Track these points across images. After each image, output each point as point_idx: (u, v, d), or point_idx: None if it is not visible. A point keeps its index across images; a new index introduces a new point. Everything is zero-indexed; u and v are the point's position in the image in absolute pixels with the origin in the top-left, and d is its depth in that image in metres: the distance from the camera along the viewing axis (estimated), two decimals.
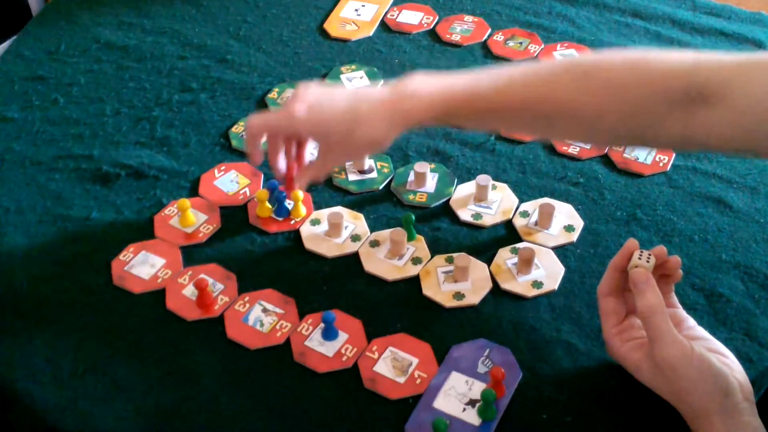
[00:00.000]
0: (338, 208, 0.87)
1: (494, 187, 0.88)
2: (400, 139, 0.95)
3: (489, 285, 0.79)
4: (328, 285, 0.79)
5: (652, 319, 0.64)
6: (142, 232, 0.85)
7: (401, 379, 0.71)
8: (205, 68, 1.08)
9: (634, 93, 0.68)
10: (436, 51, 1.10)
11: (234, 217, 0.87)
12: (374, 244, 0.83)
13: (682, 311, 0.71)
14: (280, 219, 0.86)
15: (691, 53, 0.67)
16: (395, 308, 0.77)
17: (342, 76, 1.05)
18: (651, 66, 0.68)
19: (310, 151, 0.84)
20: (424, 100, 0.72)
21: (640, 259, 0.67)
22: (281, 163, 0.79)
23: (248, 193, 0.89)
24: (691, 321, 0.70)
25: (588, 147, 0.93)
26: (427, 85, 0.73)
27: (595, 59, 0.72)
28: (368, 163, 0.91)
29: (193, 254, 0.83)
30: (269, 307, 0.77)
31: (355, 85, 1.04)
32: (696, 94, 0.65)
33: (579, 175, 0.90)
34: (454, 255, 0.80)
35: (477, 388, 0.70)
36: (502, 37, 1.12)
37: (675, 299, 0.71)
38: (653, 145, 0.84)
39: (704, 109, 0.65)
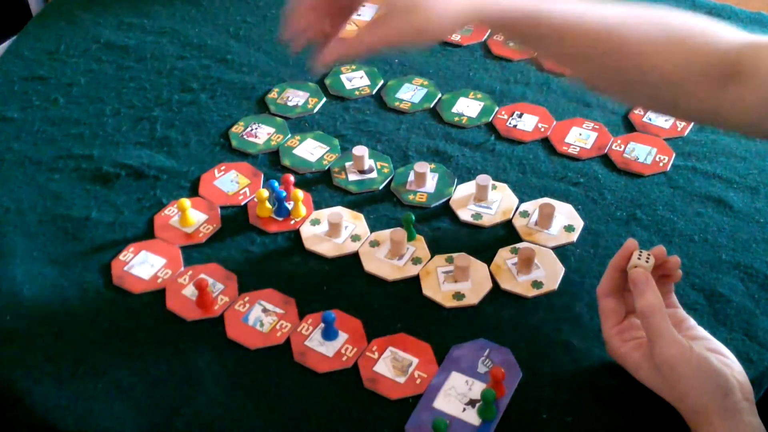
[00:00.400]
0: (338, 208, 0.87)
1: (494, 187, 0.88)
2: (400, 139, 0.96)
3: (489, 285, 0.79)
4: (328, 285, 0.79)
5: (651, 318, 0.64)
6: (142, 232, 0.85)
7: (401, 379, 0.71)
8: (205, 68, 1.08)
9: (681, 57, 0.68)
10: (437, 51, 1.10)
11: (234, 217, 0.87)
12: (374, 244, 0.83)
13: (681, 311, 0.71)
14: (280, 219, 0.86)
15: (742, 35, 0.69)
16: (395, 308, 0.77)
17: (342, 76, 1.05)
18: (706, 38, 0.69)
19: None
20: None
21: (639, 259, 0.67)
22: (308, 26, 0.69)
23: (248, 193, 0.89)
24: (690, 321, 0.70)
25: (588, 147, 0.93)
26: None
27: (674, 16, 0.72)
28: (368, 163, 0.91)
29: (193, 254, 0.83)
30: (269, 307, 0.77)
31: (355, 84, 1.04)
32: (731, 70, 0.66)
33: (579, 175, 0.90)
34: (454, 255, 0.80)
35: (477, 388, 0.70)
36: (502, 37, 1.12)
37: (675, 299, 0.71)
38: (683, 114, 0.81)
39: (736, 85, 0.66)
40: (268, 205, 0.86)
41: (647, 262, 0.67)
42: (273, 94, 1.03)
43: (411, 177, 0.90)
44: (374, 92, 1.03)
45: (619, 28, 0.68)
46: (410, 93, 1.03)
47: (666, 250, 0.69)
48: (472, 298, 0.77)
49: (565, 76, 0.90)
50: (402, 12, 0.66)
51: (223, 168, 0.92)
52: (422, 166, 0.89)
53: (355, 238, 0.84)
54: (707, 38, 0.69)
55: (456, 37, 1.12)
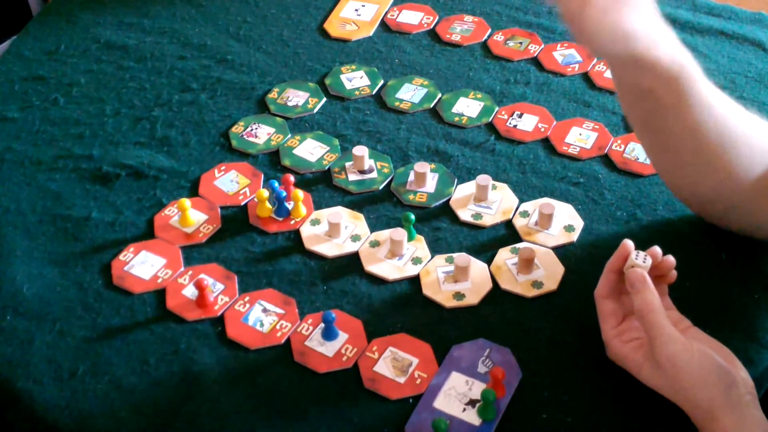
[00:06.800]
0: (338, 208, 0.87)
1: (494, 187, 0.88)
2: (400, 139, 0.96)
3: (489, 285, 0.79)
4: (328, 285, 0.79)
5: (649, 317, 0.64)
6: (142, 232, 0.85)
7: (401, 379, 0.71)
8: (205, 68, 1.08)
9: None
10: (436, 51, 1.10)
11: (234, 217, 0.87)
12: (374, 244, 0.83)
13: (677, 312, 0.71)
14: (280, 219, 0.86)
15: None
16: (395, 308, 0.77)
17: (342, 76, 1.05)
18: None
19: None
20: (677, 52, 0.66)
21: (636, 259, 0.67)
22: None
23: (248, 193, 0.89)
24: (687, 321, 0.70)
25: (588, 147, 0.93)
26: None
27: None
28: (368, 163, 0.91)
29: (193, 254, 0.83)
30: (269, 307, 0.77)
31: (355, 84, 1.04)
32: None
33: (579, 175, 0.90)
34: (454, 255, 0.80)
35: (477, 388, 0.70)
36: (502, 37, 1.12)
37: (669, 301, 0.72)
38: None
39: None
40: (268, 205, 0.86)
41: (644, 262, 0.67)
42: (273, 94, 1.03)
43: (411, 177, 0.90)
44: (374, 92, 1.03)
45: (730, 150, 0.70)
46: (410, 93, 1.03)
47: (663, 251, 0.69)
48: (472, 298, 0.77)
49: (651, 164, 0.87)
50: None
51: (223, 168, 0.92)
52: (422, 166, 0.89)
53: (355, 238, 0.84)
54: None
55: (456, 37, 1.12)
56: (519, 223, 0.85)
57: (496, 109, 1.00)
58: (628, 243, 0.69)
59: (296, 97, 1.02)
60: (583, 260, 0.81)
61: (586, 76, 1.05)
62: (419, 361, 0.72)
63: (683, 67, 0.66)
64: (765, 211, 0.74)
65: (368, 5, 1.19)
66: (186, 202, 0.85)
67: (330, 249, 0.83)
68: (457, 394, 0.69)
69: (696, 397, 0.63)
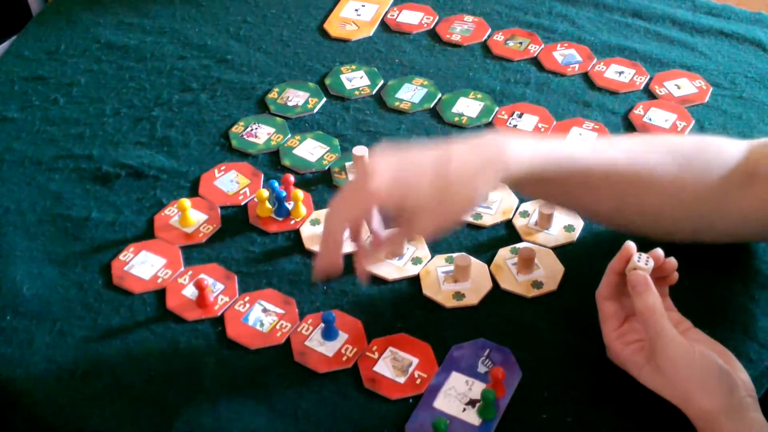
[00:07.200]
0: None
1: None
2: (399, 138, 0.96)
3: (489, 285, 0.79)
4: (328, 285, 0.79)
5: (651, 319, 0.64)
6: (142, 232, 0.85)
7: (401, 379, 0.71)
8: (205, 68, 1.08)
9: (707, 174, 0.72)
10: (436, 51, 1.10)
11: (234, 217, 0.87)
12: None
13: (678, 313, 0.71)
14: (280, 219, 0.86)
15: (742, 142, 0.75)
16: (395, 308, 0.77)
17: (342, 76, 1.05)
18: (722, 151, 0.74)
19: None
20: (522, 153, 0.67)
21: (638, 261, 0.67)
22: (341, 251, 0.68)
23: (248, 193, 0.89)
24: (687, 323, 0.70)
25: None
26: (520, 144, 0.68)
27: (677, 140, 0.78)
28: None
29: (193, 254, 0.83)
30: (269, 307, 0.77)
31: (355, 84, 1.04)
32: (750, 173, 0.71)
33: None
34: (454, 255, 0.80)
35: (477, 388, 0.70)
36: (502, 37, 1.12)
37: (670, 302, 0.72)
38: (714, 232, 0.78)
39: (756, 187, 0.71)
40: (268, 205, 0.86)
41: (646, 264, 0.67)
42: (273, 94, 1.03)
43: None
44: (374, 92, 1.03)
45: (641, 171, 0.72)
46: (410, 93, 1.03)
47: (663, 252, 0.69)
48: (472, 298, 0.77)
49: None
50: (432, 209, 0.65)
51: (223, 168, 0.92)
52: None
53: None
54: (717, 154, 0.74)
55: (456, 37, 1.12)
56: (519, 223, 0.85)
57: (496, 109, 1.00)
58: (631, 245, 0.69)
59: (296, 97, 1.02)
60: (583, 260, 0.81)
61: (586, 76, 1.05)
62: (419, 361, 0.72)
63: (545, 159, 0.69)
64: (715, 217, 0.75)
65: (368, 5, 1.19)
66: (186, 202, 0.85)
67: None
68: (457, 394, 0.69)
69: (696, 400, 0.63)
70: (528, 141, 0.69)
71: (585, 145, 0.72)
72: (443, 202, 0.65)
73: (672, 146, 0.74)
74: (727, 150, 0.74)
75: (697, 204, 0.72)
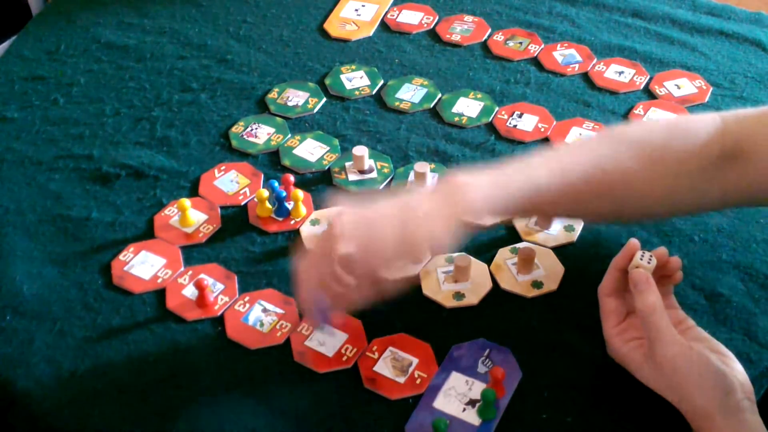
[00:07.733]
0: (338, 208, 0.87)
1: None
2: (400, 139, 0.96)
3: (489, 285, 0.79)
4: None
5: (651, 318, 0.64)
6: (142, 232, 0.85)
7: (401, 379, 0.71)
8: (205, 68, 1.08)
9: (677, 158, 0.71)
10: (436, 51, 1.10)
11: (234, 217, 0.87)
12: None
13: (681, 312, 0.71)
14: (280, 219, 0.86)
15: (714, 114, 0.73)
16: (395, 308, 0.77)
17: (342, 76, 1.05)
18: (689, 132, 0.73)
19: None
20: (483, 193, 0.68)
21: (641, 259, 0.67)
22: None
23: (248, 193, 0.89)
24: (690, 321, 0.70)
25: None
26: (479, 184, 0.68)
27: (638, 130, 0.76)
28: (368, 163, 0.91)
29: (193, 254, 0.83)
30: (269, 307, 0.77)
31: (355, 84, 1.04)
32: (729, 153, 0.70)
33: None
34: (454, 255, 0.80)
35: (477, 388, 0.70)
36: (502, 37, 1.12)
37: (674, 300, 0.72)
38: (697, 209, 0.81)
39: (737, 166, 0.70)
40: (268, 205, 0.86)
41: (649, 263, 0.67)
42: (273, 94, 1.03)
43: (411, 177, 0.90)
44: (374, 92, 1.03)
45: (600, 175, 0.71)
46: (410, 93, 1.03)
47: (667, 251, 0.69)
48: (472, 298, 0.77)
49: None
50: (398, 265, 0.70)
51: (223, 168, 0.92)
52: (422, 166, 0.88)
53: None
54: (691, 130, 0.73)
55: (456, 37, 1.12)
56: (519, 223, 0.85)
57: (496, 109, 1.00)
58: (635, 242, 0.69)
59: (296, 97, 1.02)
60: (583, 260, 0.81)
61: (586, 76, 1.05)
62: (419, 361, 0.72)
63: (508, 195, 0.69)
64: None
65: (368, 5, 1.19)
66: (186, 202, 0.85)
67: None
68: (457, 394, 0.69)
69: (693, 401, 0.63)
70: (487, 179, 0.69)
71: (549, 165, 0.70)
72: (408, 258, 0.69)
73: (642, 141, 0.73)
74: (699, 129, 0.72)
75: (673, 193, 0.72)
